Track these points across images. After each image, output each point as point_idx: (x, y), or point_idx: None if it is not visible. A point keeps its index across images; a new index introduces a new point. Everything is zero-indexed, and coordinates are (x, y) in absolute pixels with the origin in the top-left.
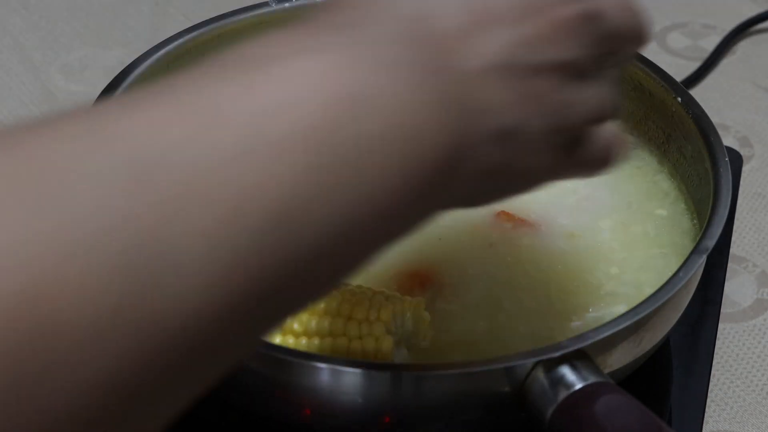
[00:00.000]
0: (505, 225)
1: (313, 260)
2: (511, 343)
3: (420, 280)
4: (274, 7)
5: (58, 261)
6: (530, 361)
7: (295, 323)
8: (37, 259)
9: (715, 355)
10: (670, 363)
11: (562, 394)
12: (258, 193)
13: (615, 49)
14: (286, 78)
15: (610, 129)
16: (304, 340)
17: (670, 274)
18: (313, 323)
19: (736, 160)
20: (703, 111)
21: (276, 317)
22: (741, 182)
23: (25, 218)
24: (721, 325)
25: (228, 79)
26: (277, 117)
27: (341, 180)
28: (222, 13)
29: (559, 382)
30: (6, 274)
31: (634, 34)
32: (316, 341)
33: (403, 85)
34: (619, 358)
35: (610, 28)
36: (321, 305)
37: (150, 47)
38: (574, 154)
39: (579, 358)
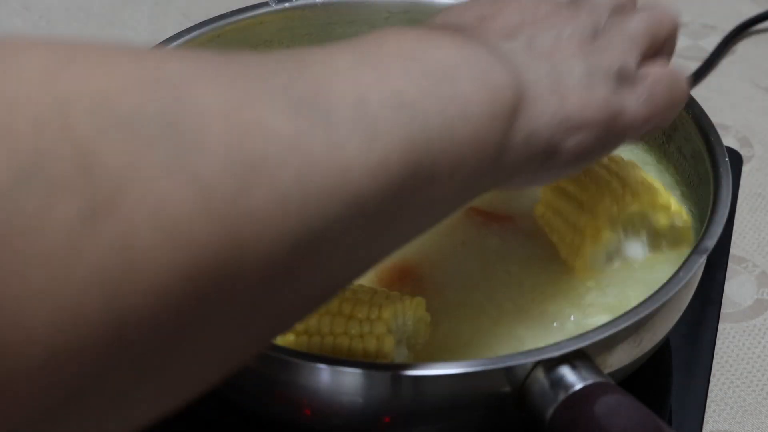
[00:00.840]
0: (476, 219)
1: (423, 165)
2: (495, 346)
3: (400, 275)
4: (274, 6)
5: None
6: (530, 361)
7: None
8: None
9: (715, 356)
10: (670, 363)
11: (562, 395)
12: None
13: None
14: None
15: (663, 66)
16: (305, 339)
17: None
18: (315, 322)
19: (736, 160)
20: (702, 111)
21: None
22: (741, 182)
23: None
24: (721, 326)
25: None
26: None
27: (443, 87)
28: (222, 13)
29: (559, 382)
30: None
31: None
32: (317, 340)
33: (476, 48)
34: (620, 358)
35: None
36: None
37: (150, 47)
38: (628, 90)
39: (579, 358)
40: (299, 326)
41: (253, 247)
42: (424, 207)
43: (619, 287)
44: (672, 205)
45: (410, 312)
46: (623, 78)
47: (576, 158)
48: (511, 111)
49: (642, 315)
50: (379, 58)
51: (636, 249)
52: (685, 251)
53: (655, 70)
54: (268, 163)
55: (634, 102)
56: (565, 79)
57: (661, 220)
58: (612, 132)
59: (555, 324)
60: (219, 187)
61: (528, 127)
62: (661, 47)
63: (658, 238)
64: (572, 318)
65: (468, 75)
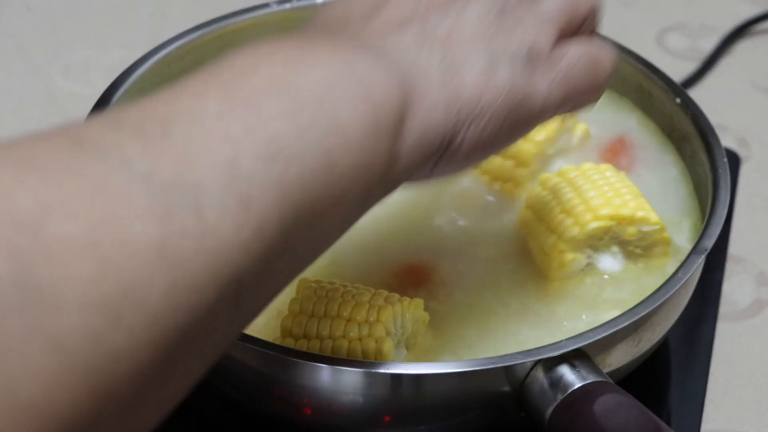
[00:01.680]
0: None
1: (311, 193)
2: (500, 347)
3: (413, 277)
4: (275, 8)
5: None
6: (530, 361)
7: (295, 326)
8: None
9: (713, 355)
10: (668, 362)
11: (562, 394)
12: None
13: None
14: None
15: (583, 44)
16: (304, 342)
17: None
18: (314, 325)
19: (735, 161)
20: (701, 112)
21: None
22: (739, 183)
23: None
24: (719, 325)
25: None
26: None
27: (320, 117)
28: (223, 14)
29: (559, 381)
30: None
31: None
32: (316, 343)
33: (354, 55)
34: (618, 358)
35: None
36: (322, 307)
37: (151, 48)
38: (541, 71)
39: (578, 358)
40: (298, 330)
41: (119, 379)
42: (309, 244)
43: (635, 281)
44: (637, 213)
45: (409, 313)
46: (534, 58)
47: (478, 149)
48: (398, 118)
49: (641, 315)
50: (250, 95)
51: (608, 262)
52: (664, 254)
53: (573, 49)
54: (133, 290)
55: (547, 84)
56: (462, 65)
57: (629, 231)
58: (518, 118)
59: (566, 323)
60: (80, 344)
61: (419, 127)
62: (579, 26)
63: (631, 247)
64: (584, 317)
65: (347, 93)
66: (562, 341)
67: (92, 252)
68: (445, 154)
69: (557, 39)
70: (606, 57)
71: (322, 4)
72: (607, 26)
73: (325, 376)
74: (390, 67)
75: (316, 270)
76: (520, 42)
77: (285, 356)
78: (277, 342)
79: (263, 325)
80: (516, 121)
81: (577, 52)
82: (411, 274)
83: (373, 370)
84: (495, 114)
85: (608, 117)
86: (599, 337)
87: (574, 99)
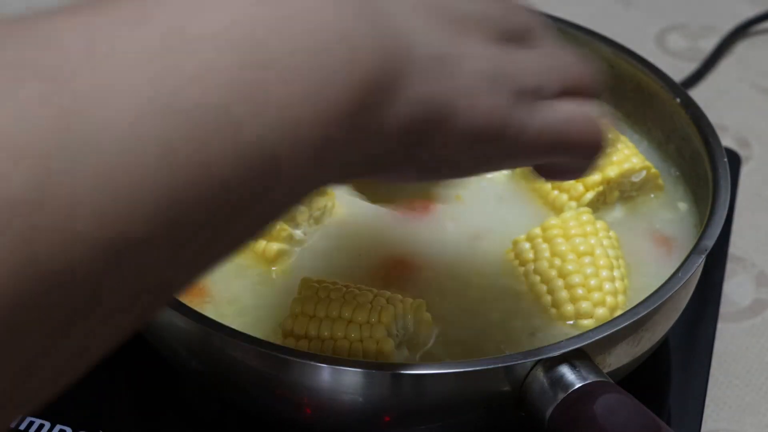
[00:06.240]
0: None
1: (251, 168)
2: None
3: (394, 269)
4: None
5: None
6: (530, 361)
7: (297, 327)
8: None
9: (713, 355)
10: (669, 362)
11: (562, 394)
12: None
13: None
14: None
15: (585, 107)
16: (305, 343)
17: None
18: (314, 326)
19: (735, 161)
20: (701, 112)
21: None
22: (739, 183)
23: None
24: (719, 325)
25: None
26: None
27: (276, 79)
28: None
29: (559, 381)
30: None
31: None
32: (317, 344)
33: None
34: (619, 358)
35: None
36: (323, 308)
37: None
38: (533, 111)
39: (578, 358)
40: (299, 331)
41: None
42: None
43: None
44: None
45: (410, 314)
46: (535, 96)
47: (448, 159)
48: (370, 97)
49: (641, 314)
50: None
51: (611, 214)
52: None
53: (571, 106)
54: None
55: (538, 122)
56: (452, 68)
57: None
58: (499, 141)
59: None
60: None
61: (401, 110)
62: (580, 92)
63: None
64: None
65: (331, 52)
66: (562, 341)
67: None
68: (417, 147)
69: (559, 93)
70: (600, 127)
71: None
72: (607, 26)
73: (325, 376)
74: (384, 32)
75: (308, 271)
76: (532, 76)
77: (285, 356)
78: (278, 342)
79: (264, 325)
80: (493, 144)
81: (575, 109)
82: (391, 269)
83: (373, 370)
84: (474, 128)
85: None
86: (599, 337)
87: (560, 152)
